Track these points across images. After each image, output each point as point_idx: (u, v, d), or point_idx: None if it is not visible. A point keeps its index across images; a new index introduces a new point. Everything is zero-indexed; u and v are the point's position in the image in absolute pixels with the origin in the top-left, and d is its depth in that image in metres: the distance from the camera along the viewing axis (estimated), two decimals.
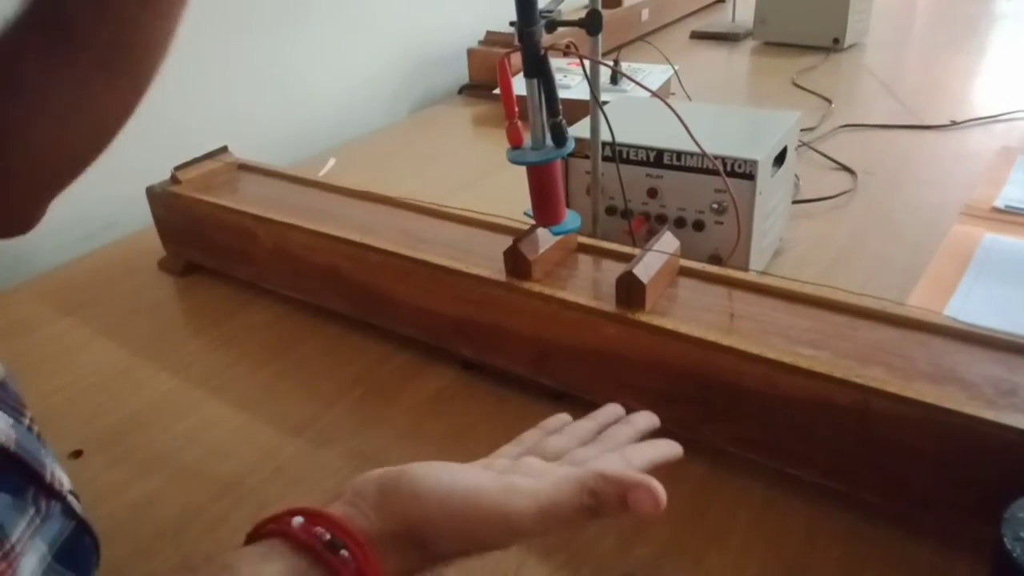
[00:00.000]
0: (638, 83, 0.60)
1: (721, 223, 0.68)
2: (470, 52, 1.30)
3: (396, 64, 1.30)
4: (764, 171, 0.66)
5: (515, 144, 0.53)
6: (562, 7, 0.51)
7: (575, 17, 0.51)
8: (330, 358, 0.65)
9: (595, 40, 0.57)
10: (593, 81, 0.61)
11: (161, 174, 0.79)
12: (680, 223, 0.70)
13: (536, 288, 0.55)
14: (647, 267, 0.53)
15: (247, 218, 0.71)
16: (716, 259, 0.70)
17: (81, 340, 0.70)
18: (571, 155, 0.60)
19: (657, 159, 0.69)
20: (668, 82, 1.16)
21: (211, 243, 0.75)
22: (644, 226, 0.72)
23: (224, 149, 0.82)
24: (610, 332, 0.52)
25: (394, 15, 1.28)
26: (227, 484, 0.52)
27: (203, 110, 1.01)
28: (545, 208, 0.55)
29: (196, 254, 0.79)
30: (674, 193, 0.69)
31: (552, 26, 0.50)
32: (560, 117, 0.51)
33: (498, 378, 0.60)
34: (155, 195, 0.78)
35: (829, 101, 1.14)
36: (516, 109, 0.52)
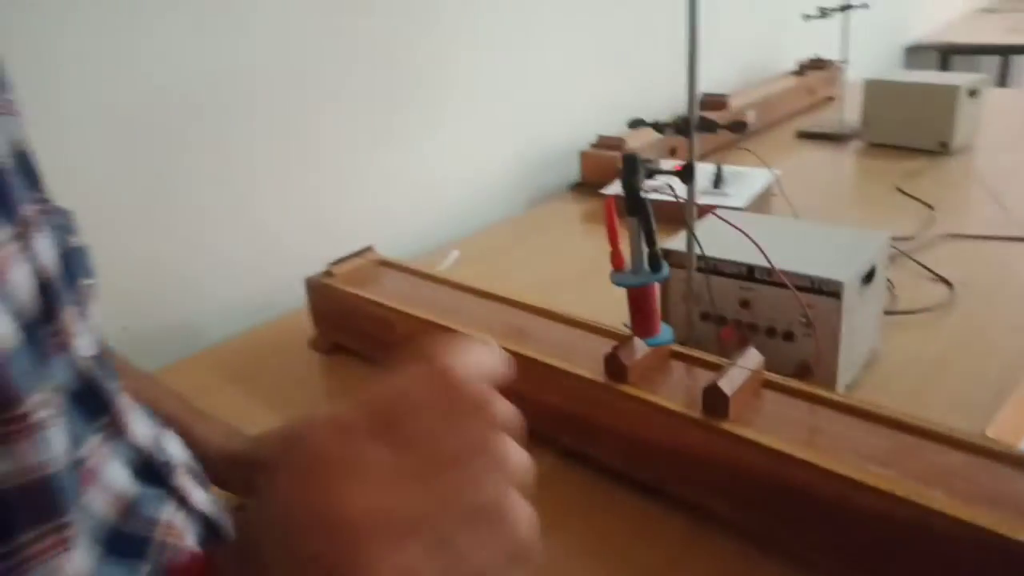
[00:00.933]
0: (723, 219, 0.68)
1: (810, 335, 0.74)
2: (583, 154, 1.42)
3: (516, 162, 1.44)
4: (850, 290, 0.71)
5: (617, 267, 0.62)
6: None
7: (669, 164, 0.60)
8: None
9: (690, 186, 0.66)
10: (688, 214, 0.69)
11: (310, 261, 0.93)
12: (771, 333, 0.76)
13: (631, 391, 0.63)
14: (732, 380, 0.59)
15: (383, 309, 0.83)
16: (805, 368, 0.75)
17: (243, 406, 0.84)
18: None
19: (748, 274, 0.76)
20: (769, 187, 1.23)
21: (355, 329, 0.88)
22: (735, 334, 0.78)
23: (369, 248, 0.96)
24: (696, 437, 0.59)
25: (517, 117, 1.42)
26: None
27: (347, 206, 1.17)
28: (641, 323, 0.63)
29: (341, 336, 0.92)
30: (765, 305, 0.76)
31: (651, 174, 0.59)
32: (656, 248, 0.60)
33: (594, 467, 0.68)
34: (313, 285, 0.92)
35: (931, 208, 1.17)
36: (618, 239, 0.61)
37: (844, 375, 0.75)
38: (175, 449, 0.45)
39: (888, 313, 0.88)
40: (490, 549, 0.27)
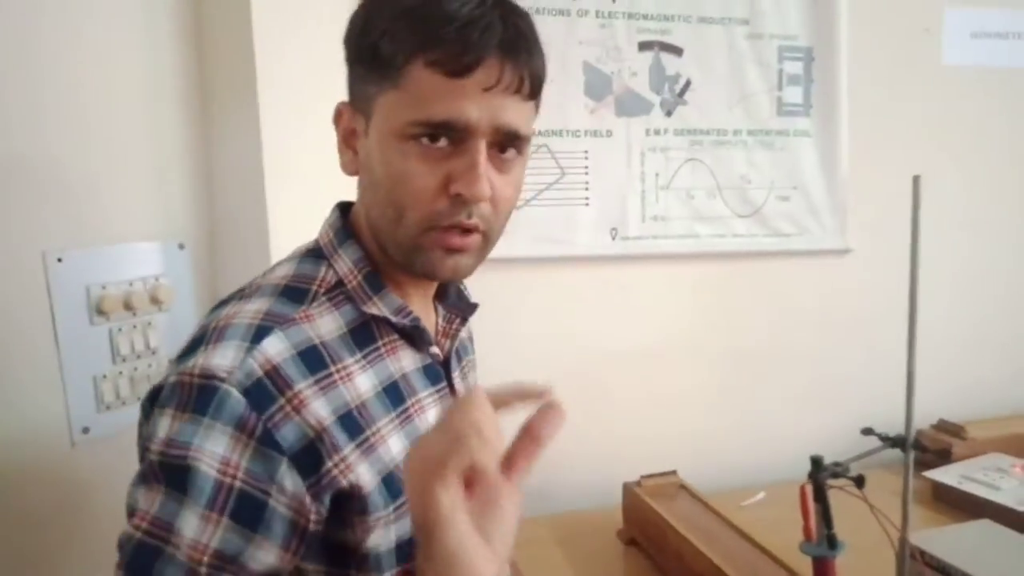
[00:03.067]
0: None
1: None
2: (918, 431, 1.50)
3: (844, 431, 1.59)
4: None
5: (808, 539, 0.83)
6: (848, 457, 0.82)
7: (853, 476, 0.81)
8: None
9: (905, 497, 0.84)
10: (904, 523, 0.86)
11: (624, 470, 1.27)
12: None
13: None
14: None
15: (663, 522, 1.12)
16: None
17: (556, 565, 1.20)
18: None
19: None
20: None
21: (646, 531, 1.19)
22: None
23: (674, 472, 1.27)
24: None
25: (854, 389, 1.59)
26: None
27: (660, 432, 1.49)
28: None
29: (637, 534, 1.23)
30: None
31: (835, 475, 0.81)
32: (832, 530, 0.80)
33: None
34: (627, 489, 1.27)
35: None
36: (812, 520, 0.83)
37: None
38: None
39: None
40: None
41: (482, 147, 0.59)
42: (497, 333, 1.47)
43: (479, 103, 0.58)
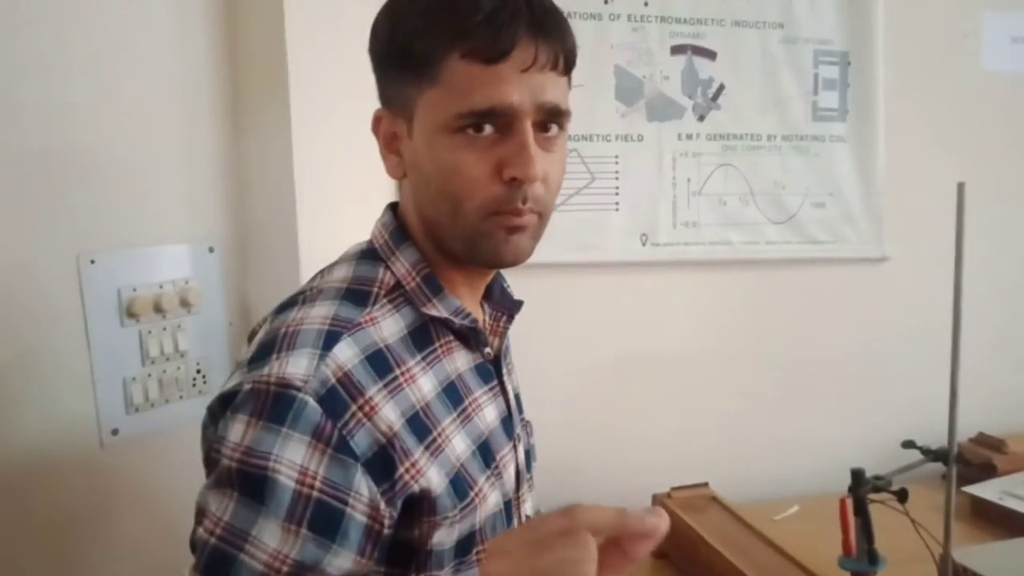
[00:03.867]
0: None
1: None
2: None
3: (884, 441, 1.54)
4: None
5: (847, 554, 0.81)
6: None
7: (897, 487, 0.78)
8: None
9: (948, 510, 0.81)
10: (946, 534, 0.83)
11: (653, 481, 1.24)
12: None
13: None
14: None
15: (694, 535, 1.10)
16: None
17: None
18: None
19: None
20: None
21: (676, 544, 1.16)
22: None
23: (705, 484, 1.24)
24: None
25: (895, 398, 1.55)
26: None
27: (691, 442, 1.46)
28: None
29: (668, 547, 1.20)
30: None
31: (877, 489, 0.78)
32: (873, 545, 0.77)
33: None
34: (657, 500, 1.24)
35: None
36: (852, 535, 0.80)
37: None
38: None
39: None
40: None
41: (528, 128, 0.59)
42: (525, 339, 1.45)
43: (519, 85, 0.58)
